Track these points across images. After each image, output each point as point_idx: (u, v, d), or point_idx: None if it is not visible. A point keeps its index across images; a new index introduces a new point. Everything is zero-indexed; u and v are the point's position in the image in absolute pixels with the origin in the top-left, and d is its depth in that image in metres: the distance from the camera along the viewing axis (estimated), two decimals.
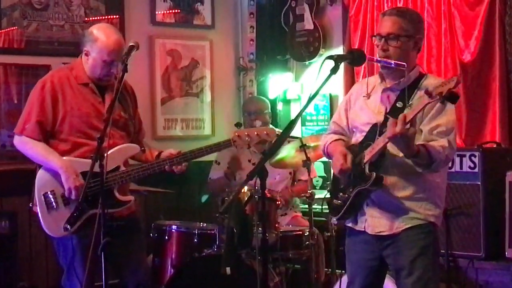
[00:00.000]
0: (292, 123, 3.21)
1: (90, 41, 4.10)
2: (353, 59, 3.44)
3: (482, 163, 4.94)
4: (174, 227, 5.03)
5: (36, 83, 4.19)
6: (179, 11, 6.49)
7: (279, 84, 6.81)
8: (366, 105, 3.63)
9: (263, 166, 3.21)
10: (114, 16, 6.01)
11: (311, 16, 6.53)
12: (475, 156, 4.96)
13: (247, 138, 4.15)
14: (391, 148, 3.39)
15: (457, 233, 5.03)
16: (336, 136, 3.77)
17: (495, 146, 5.22)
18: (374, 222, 3.54)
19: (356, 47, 6.04)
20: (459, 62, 5.48)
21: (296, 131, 6.40)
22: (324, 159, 5.59)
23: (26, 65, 5.68)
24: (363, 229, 3.58)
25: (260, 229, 4.18)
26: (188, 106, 6.53)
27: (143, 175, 4.14)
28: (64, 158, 4.03)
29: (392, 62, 3.46)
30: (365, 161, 3.44)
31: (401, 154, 3.37)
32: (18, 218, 5.33)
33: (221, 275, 4.37)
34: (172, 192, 5.66)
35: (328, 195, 4.77)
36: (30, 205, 4.11)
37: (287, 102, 6.94)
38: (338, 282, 4.75)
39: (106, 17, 5.94)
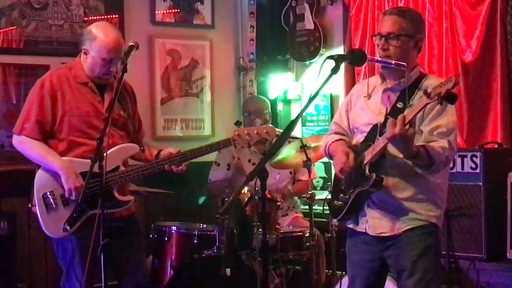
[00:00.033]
0: (292, 124, 3.20)
1: (89, 39, 4.08)
2: (354, 59, 3.43)
3: (483, 163, 4.93)
4: (173, 228, 5.02)
5: (35, 83, 4.17)
6: (179, 10, 6.48)
7: (280, 84, 6.80)
8: (367, 105, 3.62)
9: (263, 167, 3.19)
10: (114, 16, 6.00)
11: (312, 16, 6.51)
12: (476, 157, 4.96)
13: (247, 137, 4.13)
14: (392, 149, 3.38)
15: (458, 234, 5.02)
16: (337, 137, 3.76)
17: (496, 146, 5.21)
18: (375, 223, 3.52)
19: (356, 47, 6.04)
20: (460, 62, 5.47)
21: (297, 132, 6.39)
22: (325, 159, 5.59)
23: (25, 65, 5.66)
24: (364, 230, 3.57)
25: (260, 230, 4.18)
26: (188, 106, 6.51)
27: (142, 175, 4.12)
28: (64, 158, 4.01)
29: (393, 62, 3.45)
30: (365, 162, 3.42)
31: (401, 155, 3.35)
32: (17, 219, 5.32)
33: (221, 277, 4.36)
34: (172, 193, 5.65)
35: (329, 196, 4.79)
36: (30, 206, 4.10)
37: (287, 102, 6.93)
38: (339, 284, 4.73)
39: (106, 16, 5.93)
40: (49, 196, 3.99)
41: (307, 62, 6.68)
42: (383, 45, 3.49)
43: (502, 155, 5.08)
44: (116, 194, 4.06)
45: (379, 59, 3.51)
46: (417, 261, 3.46)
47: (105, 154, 3.57)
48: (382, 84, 3.60)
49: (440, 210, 3.54)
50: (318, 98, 6.03)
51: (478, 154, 4.96)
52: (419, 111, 3.19)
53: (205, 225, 5.09)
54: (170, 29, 6.46)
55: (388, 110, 3.49)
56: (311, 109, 6.54)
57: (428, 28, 5.54)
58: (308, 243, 4.82)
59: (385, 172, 3.43)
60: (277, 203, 4.81)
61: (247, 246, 4.51)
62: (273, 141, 5.04)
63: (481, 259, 4.94)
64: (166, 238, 4.98)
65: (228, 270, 4.35)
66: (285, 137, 3.32)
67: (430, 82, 3.44)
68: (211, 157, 5.62)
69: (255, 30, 6.80)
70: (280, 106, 6.86)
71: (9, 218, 5.24)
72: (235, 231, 4.44)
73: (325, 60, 3.28)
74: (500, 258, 4.90)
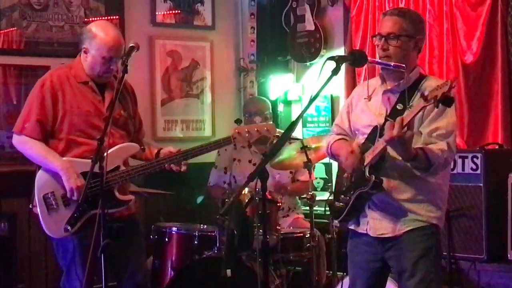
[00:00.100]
0: (293, 125, 3.20)
1: (89, 38, 4.08)
2: (355, 60, 3.42)
3: (484, 164, 4.93)
4: (174, 229, 5.01)
5: (36, 82, 4.17)
6: (179, 11, 6.47)
7: (280, 85, 6.80)
8: (367, 107, 3.62)
9: (264, 168, 3.18)
10: (114, 17, 5.99)
11: (312, 17, 6.51)
12: (477, 158, 4.95)
13: (247, 135, 4.12)
14: (391, 150, 3.38)
15: (459, 235, 5.02)
16: (339, 136, 3.75)
17: (497, 147, 5.20)
18: (376, 224, 3.52)
19: (357, 48, 6.04)
20: (461, 63, 5.46)
21: (297, 133, 6.38)
22: (325, 160, 5.61)
23: (25, 66, 5.66)
24: (365, 231, 3.57)
25: (260, 231, 4.18)
26: (189, 107, 6.51)
27: (143, 174, 4.12)
28: (64, 158, 4.01)
29: (392, 64, 3.45)
30: (365, 163, 3.42)
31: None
32: (18, 219, 5.31)
33: (221, 278, 4.35)
34: (172, 194, 5.65)
35: (329, 197, 4.78)
36: (31, 206, 4.09)
37: (288, 103, 6.93)
38: (340, 285, 4.73)
39: (106, 17, 5.91)
40: (50, 196, 3.99)
41: (308, 63, 6.68)
42: (383, 45, 3.49)
43: (502, 156, 5.08)
44: (116, 194, 4.05)
45: (379, 60, 3.51)
46: (418, 262, 3.45)
47: (105, 154, 3.56)
48: (382, 86, 3.59)
49: (441, 211, 3.53)
50: (318, 99, 6.06)
51: (478, 155, 4.96)
52: (416, 114, 3.18)
53: (205, 226, 5.09)
54: (170, 30, 6.46)
55: (388, 112, 3.49)
56: (311, 110, 6.53)
57: (428, 29, 5.54)
58: (308, 244, 4.82)
59: (385, 173, 3.43)
60: (278, 204, 4.80)
61: (247, 247, 4.50)
62: (274, 141, 5.06)
63: (481, 260, 4.94)
64: (166, 239, 4.97)
65: (228, 271, 4.34)
66: (285, 138, 3.32)
67: (430, 83, 3.44)
68: (211, 157, 5.63)
69: (255, 31, 6.80)
70: (280, 107, 6.86)
71: (9, 218, 5.24)
72: (235, 232, 4.43)
73: (325, 61, 3.27)
74: (500, 259, 4.90)
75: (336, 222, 3.75)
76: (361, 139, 3.60)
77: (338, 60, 3.29)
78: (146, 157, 4.27)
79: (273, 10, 6.89)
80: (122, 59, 3.87)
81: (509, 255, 4.83)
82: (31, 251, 5.58)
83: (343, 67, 3.42)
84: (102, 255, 3.47)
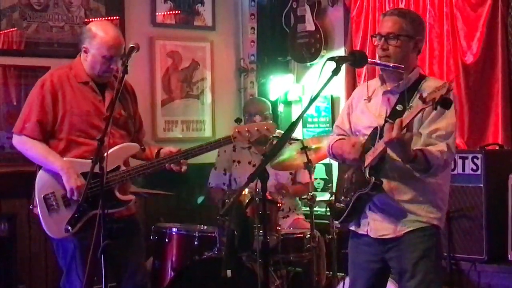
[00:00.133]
0: (293, 125, 3.19)
1: (89, 37, 4.08)
2: (355, 61, 3.42)
3: (484, 165, 4.92)
4: (174, 229, 5.01)
5: (36, 82, 4.17)
6: (179, 12, 6.47)
7: (280, 86, 6.79)
8: (367, 108, 3.61)
9: (264, 168, 3.18)
10: (114, 17, 5.99)
11: (312, 17, 6.50)
12: (477, 158, 4.95)
13: (247, 134, 4.11)
14: (391, 152, 3.37)
15: (459, 236, 5.02)
16: (339, 136, 3.75)
17: (497, 148, 5.19)
18: (376, 225, 3.52)
19: (357, 48, 6.02)
20: (461, 63, 5.46)
21: (297, 133, 6.38)
22: (326, 161, 5.60)
23: (25, 67, 5.65)
24: (366, 233, 3.57)
25: (261, 231, 4.17)
26: (189, 107, 6.51)
27: (143, 174, 4.12)
28: (64, 159, 4.01)
29: (391, 64, 3.45)
30: (365, 165, 3.41)
31: None
32: (17, 220, 5.31)
33: (221, 278, 4.35)
34: (172, 194, 5.64)
35: (330, 198, 4.78)
36: (31, 207, 4.09)
37: (288, 103, 6.92)
38: (340, 285, 4.72)
39: (106, 18, 5.91)
40: (50, 197, 3.99)
41: (308, 64, 6.67)
42: (382, 45, 3.48)
43: (503, 157, 5.07)
44: (117, 194, 4.05)
45: (378, 61, 3.50)
46: (418, 263, 3.45)
47: (105, 154, 3.56)
48: (382, 87, 3.59)
49: (442, 212, 3.53)
50: (319, 100, 6.07)
51: (479, 155, 4.96)
52: (415, 116, 3.18)
53: (205, 227, 5.08)
54: (170, 30, 6.45)
55: (388, 113, 3.48)
56: (312, 110, 6.52)
57: (429, 29, 5.54)
58: (308, 245, 4.81)
59: (385, 175, 3.43)
60: (278, 205, 4.80)
61: (247, 248, 4.49)
62: (274, 142, 5.06)
63: (482, 261, 4.93)
64: (166, 240, 4.97)
65: (228, 272, 4.34)
66: (286, 138, 3.32)
67: (429, 84, 3.44)
68: (211, 158, 5.63)
69: (255, 31, 6.79)
70: (281, 108, 6.85)
71: (9, 219, 5.24)
72: (235, 233, 4.42)
73: (326, 61, 3.27)
74: (501, 259, 4.90)
75: (336, 223, 3.74)
76: (361, 140, 3.60)
77: (339, 60, 3.28)
78: (147, 157, 4.27)
79: (273, 11, 6.89)
80: (122, 60, 3.87)
81: (509, 256, 4.83)
82: (31, 251, 5.58)
83: (343, 67, 3.42)
84: (102, 255, 3.47)
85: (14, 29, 5.64)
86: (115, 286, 4.21)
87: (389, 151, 3.35)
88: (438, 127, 3.37)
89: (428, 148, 3.32)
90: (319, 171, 6.29)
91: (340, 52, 6.29)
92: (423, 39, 3.63)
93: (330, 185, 5.53)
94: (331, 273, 5.14)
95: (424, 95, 3.08)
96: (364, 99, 3.64)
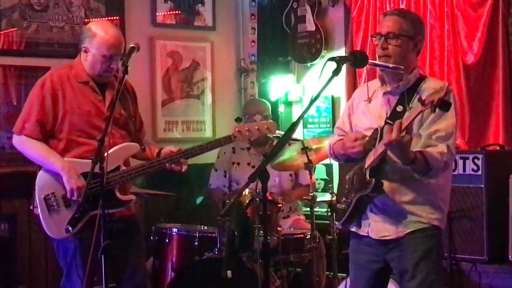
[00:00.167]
0: (293, 125, 3.18)
1: (89, 37, 4.08)
2: (355, 61, 3.40)
3: (485, 165, 4.93)
4: (174, 230, 5.00)
5: (36, 82, 4.16)
6: (179, 12, 6.46)
7: (281, 86, 6.78)
8: (368, 109, 3.61)
9: (264, 169, 3.18)
10: (114, 17, 5.98)
11: (313, 18, 6.50)
12: (478, 159, 4.95)
13: (247, 133, 4.10)
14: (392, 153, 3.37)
15: (460, 236, 5.02)
16: (340, 137, 3.74)
17: (498, 148, 5.19)
18: (377, 226, 3.52)
19: (358, 48, 6.02)
20: (462, 63, 5.46)
21: (298, 134, 6.37)
22: (326, 161, 5.59)
23: (25, 67, 5.64)
24: (366, 234, 3.56)
25: (261, 232, 4.16)
26: (189, 108, 6.50)
27: (144, 174, 4.12)
28: (65, 159, 4.00)
29: (390, 65, 3.44)
30: (366, 166, 3.41)
31: None
32: (18, 220, 5.30)
33: (222, 279, 4.34)
34: (172, 195, 5.63)
35: (332, 198, 4.77)
36: (31, 207, 4.09)
37: (288, 104, 6.92)
38: (341, 285, 4.72)
39: (106, 18, 5.89)
40: (50, 197, 3.98)
41: (309, 64, 6.67)
42: (382, 44, 3.48)
43: (504, 157, 5.07)
44: (117, 194, 4.05)
45: (377, 62, 3.49)
46: (419, 263, 3.44)
47: (106, 154, 3.56)
48: (382, 88, 3.59)
49: (443, 213, 3.53)
50: (319, 100, 6.06)
51: (480, 156, 4.96)
52: (414, 118, 3.17)
53: (206, 227, 5.07)
54: (171, 30, 6.45)
55: (388, 114, 3.48)
56: (312, 111, 6.52)
57: (429, 29, 5.54)
58: (309, 245, 4.81)
59: (386, 176, 3.42)
60: (278, 205, 4.79)
61: (248, 248, 4.48)
62: (274, 143, 5.05)
63: (482, 261, 4.93)
64: (166, 240, 4.96)
65: (229, 272, 4.33)
66: (286, 139, 3.31)
67: (429, 85, 3.43)
68: (211, 158, 5.62)
69: (256, 31, 6.79)
70: (281, 108, 6.85)
71: (9, 219, 5.24)
72: (236, 233, 4.42)
73: (326, 61, 3.26)
74: (502, 260, 4.90)
75: (338, 224, 3.73)
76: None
77: (339, 60, 3.27)
78: (147, 157, 4.26)
79: (273, 11, 6.88)
80: (122, 60, 3.86)
81: (510, 256, 4.83)
82: (32, 252, 5.57)
83: (344, 67, 3.41)
84: (103, 256, 3.46)
85: (14, 29, 5.63)
86: (114, 286, 4.20)
87: (389, 152, 3.35)
88: (438, 128, 3.37)
89: (428, 150, 3.32)
90: (320, 172, 6.28)
91: (341, 52, 6.30)
92: (423, 40, 3.62)
93: (330, 185, 5.53)
94: (331, 273, 5.13)
95: (423, 97, 3.08)
96: (365, 100, 3.63)
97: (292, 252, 4.81)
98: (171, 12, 6.42)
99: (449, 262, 4.97)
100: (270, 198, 4.67)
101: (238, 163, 5.63)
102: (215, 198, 5.62)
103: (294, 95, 6.83)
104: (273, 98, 6.72)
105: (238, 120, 4.46)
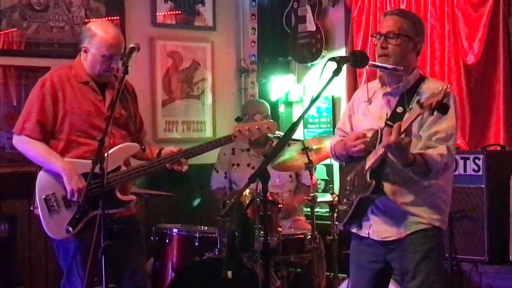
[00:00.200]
0: (294, 126, 3.18)
1: (88, 37, 4.07)
2: (356, 61, 3.40)
3: (486, 166, 4.92)
4: (174, 230, 4.99)
5: (36, 82, 4.16)
6: (180, 12, 6.45)
7: (281, 86, 6.78)
8: (368, 110, 3.61)
9: (265, 169, 3.17)
10: (115, 17, 5.97)
11: (313, 18, 6.49)
12: (479, 159, 4.94)
13: (247, 133, 4.09)
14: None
15: (460, 237, 5.01)
16: (341, 138, 3.73)
17: (499, 148, 5.18)
18: (379, 228, 3.51)
19: (358, 48, 6.02)
20: (462, 64, 5.45)
21: (298, 134, 6.36)
22: (327, 161, 5.59)
23: (25, 67, 5.63)
24: (367, 235, 3.56)
25: (261, 232, 4.16)
26: (189, 108, 6.49)
27: (144, 174, 4.11)
28: (65, 159, 4.00)
29: (390, 66, 3.44)
30: (366, 168, 3.40)
31: None
32: (18, 221, 5.30)
33: (222, 279, 4.32)
34: (172, 195, 5.62)
35: (330, 198, 4.76)
36: (32, 208, 4.08)
37: (289, 104, 6.91)
38: (340, 286, 4.71)
39: (107, 18, 5.88)
40: (51, 198, 3.98)
41: (309, 64, 6.66)
42: (382, 43, 3.47)
43: (504, 157, 5.07)
44: (118, 194, 4.04)
45: (376, 63, 3.49)
46: (420, 263, 3.44)
47: (106, 154, 3.55)
48: (382, 89, 3.58)
49: (444, 213, 3.52)
50: (320, 100, 6.05)
51: (480, 156, 4.95)
52: (413, 121, 3.16)
53: (206, 228, 5.07)
54: (171, 31, 6.44)
55: (388, 115, 3.47)
56: (312, 111, 6.51)
57: (430, 30, 5.54)
58: (309, 246, 4.80)
59: (387, 178, 3.41)
60: (279, 206, 4.79)
61: (248, 249, 4.48)
62: (274, 144, 5.05)
63: (483, 262, 4.92)
64: (167, 241, 4.96)
65: (229, 273, 4.31)
66: (286, 139, 3.31)
67: (429, 86, 3.43)
68: (212, 159, 5.61)
69: (256, 32, 6.78)
70: (281, 108, 6.84)
71: (9, 220, 5.23)
72: (236, 234, 4.41)
73: (327, 62, 3.25)
74: (502, 260, 4.88)
75: (340, 225, 3.72)
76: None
77: (340, 61, 3.27)
78: (147, 157, 4.26)
79: (274, 11, 6.88)
80: (122, 60, 3.85)
81: (511, 257, 4.82)
82: (32, 252, 5.56)
83: (344, 68, 3.40)
84: (103, 256, 3.46)
85: (14, 29, 5.62)
86: (114, 287, 4.20)
87: (389, 154, 3.34)
88: (438, 130, 3.36)
89: (427, 152, 3.31)
90: (320, 172, 6.27)
91: (341, 52, 6.29)
92: (423, 41, 3.61)
93: (331, 186, 5.52)
94: (332, 274, 5.12)
95: (422, 99, 3.06)
96: (365, 101, 3.63)
97: (292, 253, 4.80)
98: (171, 12, 6.41)
99: (450, 263, 4.96)
100: (270, 198, 4.66)
101: (238, 164, 5.63)
102: (217, 199, 5.61)
103: (295, 95, 6.83)
104: (273, 98, 6.71)
105: (238, 120, 4.45)
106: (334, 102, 6.48)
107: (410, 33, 3.47)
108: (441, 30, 5.59)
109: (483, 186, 4.92)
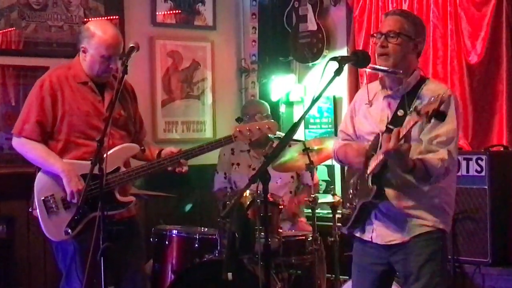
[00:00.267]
0: (295, 126, 3.18)
1: (87, 37, 4.05)
2: (357, 61, 3.39)
3: (489, 166, 4.91)
4: (174, 232, 4.98)
5: (35, 83, 4.14)
6: (180, 11, 6.43)
7: (282, 86, 6.76)
8: (369, 113, 3.59)
9: (265, 170, 3.14)
10: (114, 17, 5.96)
11: (315, 17, 6.47)
12: (482, 160, 4.94)
13: (248, 133, 4.07)
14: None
15: (463, 238, 5.00)
16: (344, 142, 3.72)
17: (502, 149, 5.17)
18: (382, 232, 3.50)
19: (360, 48, 6.01)
20: (465, 63, 5.44)
21: (299, 134, 6.34)
22: (328, 162, 5.56)
23: (24, 67, 5.61)
24: (370, 239, 3.54)
25: (262, 234, 4.13)
26: (189, 108, 6.47)
27: (144, 175, 4.09)
28: (64, 160, 3.98)
29: (389, 69, 3.42)
30: (367, 172, 3.38)
31: None
32: (16, 222, 5.31)
33: (222, 281, 4.31)
34: (172, 196, 5.60)
35: (331, 199, 4.73)
36: (30, 209, 4.06)
37: (290, 104, 6.89)
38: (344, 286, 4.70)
39: (106, 17, 5.88)
40: (49, 199, 3.96)
41: (310, 64, 6.64)
42: (382, 42, 3.45)
43: (507, 158, 5.06)
44: (117, 195, 4.02)
45: (376, 66, 3.47)
46: (424, 265, 3.42)
47: (105, 155, 3.53)
48: (382, 91, 3.56)
49: (447, 215, 3.51)
50: (321, 100, 6.04)
51: (483, 157, 4.94)
52: (411, 128, 3.13)
53: (206, 229, 5.06)
54: (171, 30, 6.42)
55: (389, 119, 3.46)
56: (314, 111, 6.50)
57: (432, 29, 5.53)
58: (310, 247, 4.78)
59: (388, 182, 3.40)
60: (280, 207, 4.76)
61: (249, 250, 4.47)
62: (274, 144, 5.02)
63: (486, 264, 4.92)
64: (166, 242, 4.95)
65: (229, 275, 4.30)
66: (287, 139, 3.30)
67: (430, 88, 3.42)
68: (212, 159, 5.59)
69: (257, 31, 6.76)
70: (282, 108, 6.82)
71: (8, 221, 5.25)
72: (236, 235, 4.40)
73: (328, 61, 3.24)
74: (505, 262, 4.89)
75: (344, 229, 3.70)
76: (365, 145, 3.55)
77: (341, 60, 3.25)
78: (147, 158, 4.25)
79: (274, 10, 6.86)
80: (122, 60, 3.84)
81: None
82: (30, 254, 5.55)
83: (346, 67, 3.37)
84: (102, 258, 3.44)
85: (12, 28, 5.60)
86: None
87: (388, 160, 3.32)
88: (438, 134, 3.34)
89: (427, 157, 3.29)
90: (321, 173, 6.26)
91: (343, 52, 6.28)
92: (424, 43, 3.59)
93: (332, 187, 5.50)
94: (333, 276, 5.10)
95: (419, 106, 3.04)
96: (366, 104, 3.61)
97: (293, 254, 4.78)
98: (171, 12, 6.39)
99: (453, 265, 4.95)
100: (271, 199, 4.63)
101: (238, 164, 5.61)
102: (219, 199, 5.59)
103: (296, 96, 6.81)
104: (274, 98, 6.69)
105: (238, 120, 4.43)
106: (336, 102, 6.46)
107: (410, 33, 3.45)
108: (444, 30, 5.58)
109: (486, 187, 4.91)
